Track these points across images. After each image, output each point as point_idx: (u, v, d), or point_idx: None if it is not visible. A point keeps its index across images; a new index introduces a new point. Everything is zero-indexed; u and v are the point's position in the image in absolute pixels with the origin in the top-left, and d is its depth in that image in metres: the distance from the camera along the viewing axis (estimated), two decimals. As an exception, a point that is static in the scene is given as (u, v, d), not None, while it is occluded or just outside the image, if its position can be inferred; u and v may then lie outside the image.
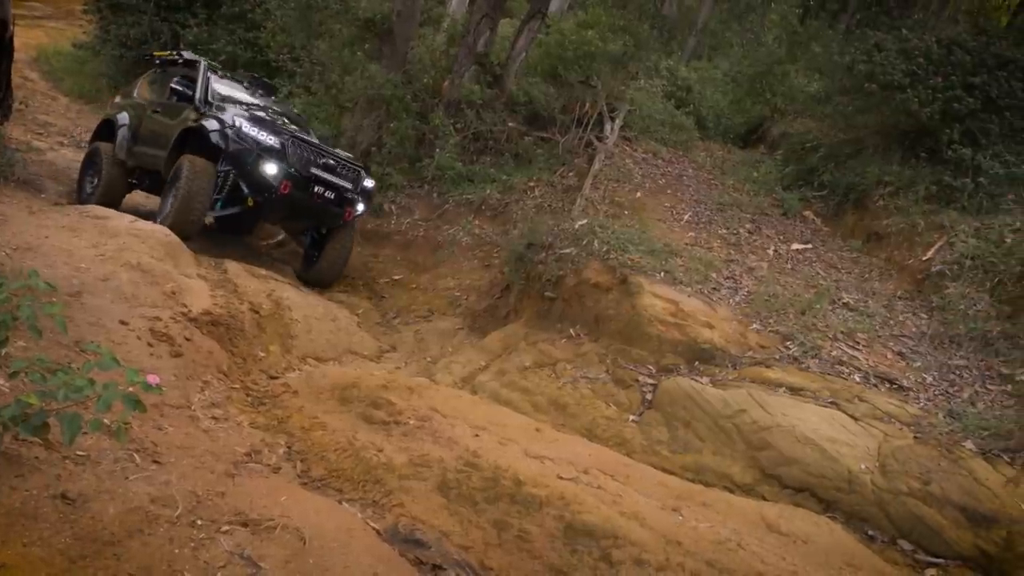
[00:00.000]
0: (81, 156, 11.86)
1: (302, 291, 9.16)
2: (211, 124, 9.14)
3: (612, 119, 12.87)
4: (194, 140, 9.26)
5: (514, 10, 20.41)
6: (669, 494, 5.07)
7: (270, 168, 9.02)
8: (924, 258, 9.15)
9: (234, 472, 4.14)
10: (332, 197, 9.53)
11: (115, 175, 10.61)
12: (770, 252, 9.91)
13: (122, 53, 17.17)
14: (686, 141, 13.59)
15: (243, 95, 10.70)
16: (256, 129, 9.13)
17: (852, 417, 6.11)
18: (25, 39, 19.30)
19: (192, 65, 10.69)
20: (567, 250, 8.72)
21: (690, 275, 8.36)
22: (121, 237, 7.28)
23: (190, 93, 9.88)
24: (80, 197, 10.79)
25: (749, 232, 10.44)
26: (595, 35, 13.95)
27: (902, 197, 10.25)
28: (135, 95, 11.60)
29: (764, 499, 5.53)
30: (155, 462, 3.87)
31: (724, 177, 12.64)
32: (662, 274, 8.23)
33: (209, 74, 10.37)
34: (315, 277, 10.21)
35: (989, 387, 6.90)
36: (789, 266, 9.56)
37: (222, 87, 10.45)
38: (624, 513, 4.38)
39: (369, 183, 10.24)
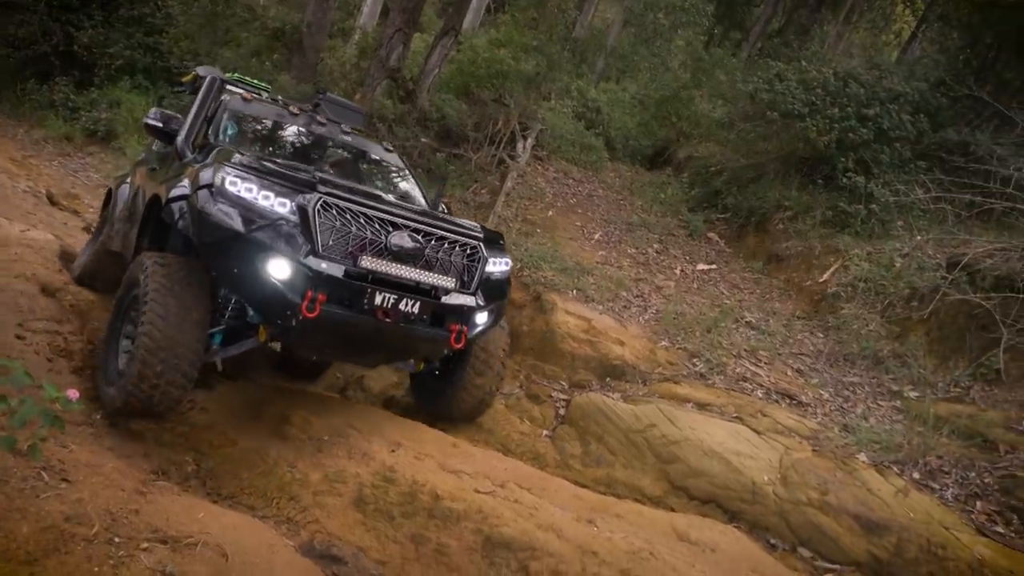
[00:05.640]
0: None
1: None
2: (175, 189, 5.11)
3: (524, 138, 13.05)
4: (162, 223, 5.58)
5: (427, 25, 20.49)
6: (584, 506, 5.16)
7: (277, 268, 4.66)
8: (821, 280, 9.57)
9: (144, 490, 4.05)
10: (415, 309, 4.99)
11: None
12: (677, 272, 10.19)
13: (8, 53, 16.39)
14: (596, 161, 13.90)
15: (291, 128, 6.81)
16: (253, 186, 4.74)
17: (755, 431, 6.39)
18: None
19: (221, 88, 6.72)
20: (481, 267, 8.77)
21: (601, 293, 8.55)
22: (12, 247, 7.02)
23: (174, 131, 6.02)
24: None
25: (657, 252, 10.72)
26: (508, 54, 14.12)
27: (800, 221, 10.72)
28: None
29: (673, 510, 5.68)
30: (64, 480, 3.75)
31: (633, 198, 12.96)
32: (574, 292, 8.39)
33: (223, 97, 6.54)
34: (448, 408, 6.29)
35: (880, 403, 7.29)
36: (695, 285, 9.85)
37: (252, 113, 6.66)
38: (541, 525, 4.43)
39: (498, 266, 5.62)
